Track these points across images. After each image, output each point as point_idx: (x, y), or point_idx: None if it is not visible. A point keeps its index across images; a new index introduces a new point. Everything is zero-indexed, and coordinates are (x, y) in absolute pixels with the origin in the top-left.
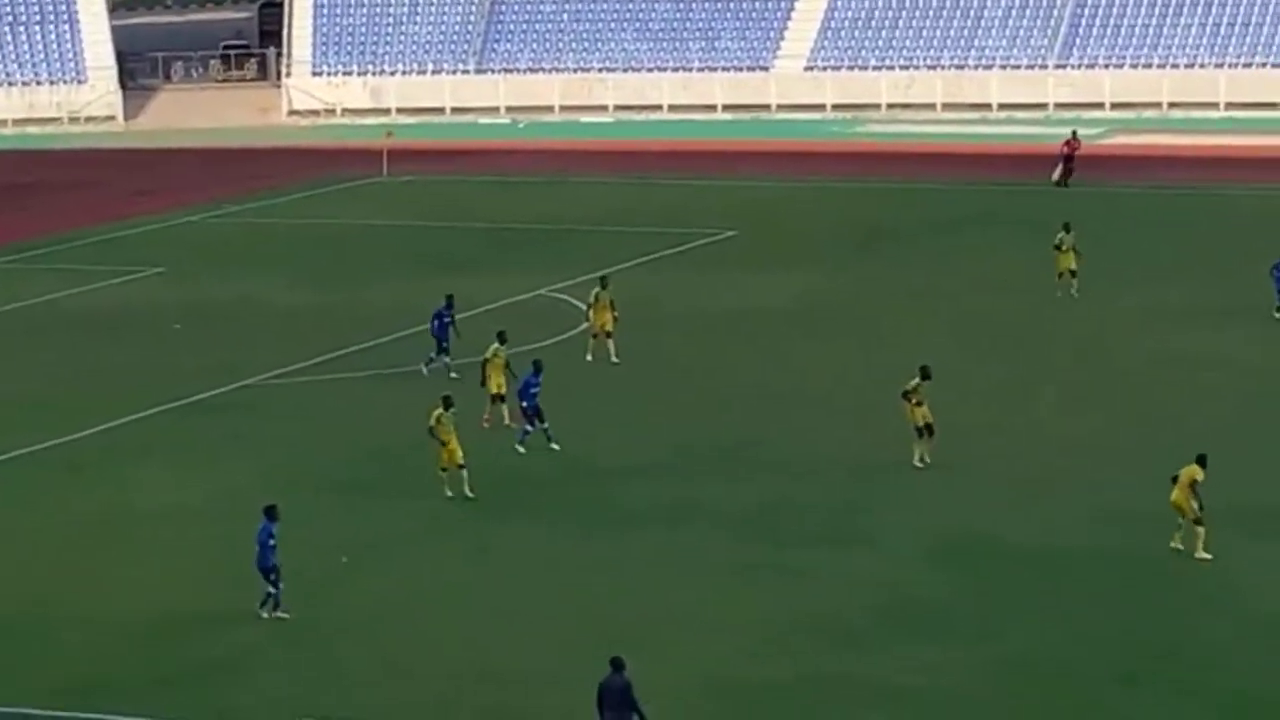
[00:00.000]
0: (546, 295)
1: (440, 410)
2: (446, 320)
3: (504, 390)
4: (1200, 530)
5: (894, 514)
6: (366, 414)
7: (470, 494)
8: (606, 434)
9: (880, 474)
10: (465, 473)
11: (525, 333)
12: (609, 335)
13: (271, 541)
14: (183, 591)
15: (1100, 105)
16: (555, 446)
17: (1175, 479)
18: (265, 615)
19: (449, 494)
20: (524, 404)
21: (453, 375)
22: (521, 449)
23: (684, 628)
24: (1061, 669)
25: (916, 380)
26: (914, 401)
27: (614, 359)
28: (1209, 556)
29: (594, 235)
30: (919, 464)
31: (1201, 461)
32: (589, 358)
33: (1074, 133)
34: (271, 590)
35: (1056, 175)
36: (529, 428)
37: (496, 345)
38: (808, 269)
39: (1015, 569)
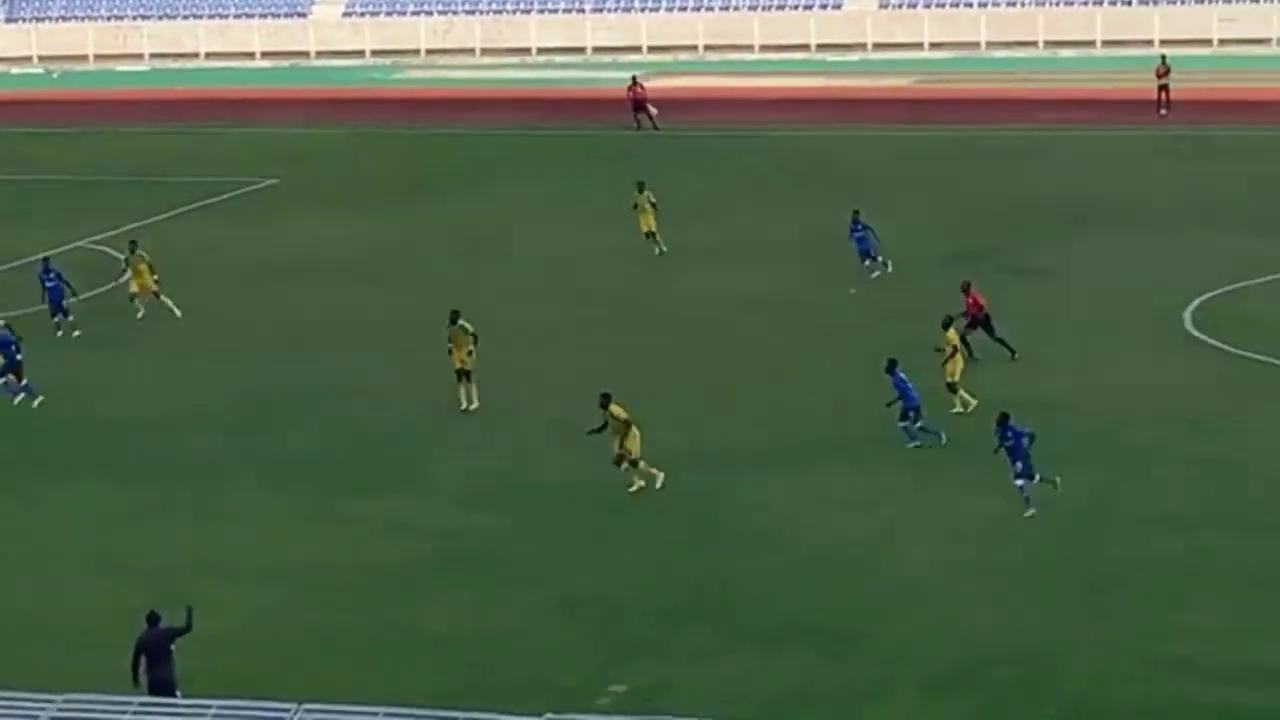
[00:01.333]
0: (86, 247)
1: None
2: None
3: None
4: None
5: (442, 458)
6: None
7: None
8: (153, 388)
9: (428, 418)
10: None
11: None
12: (157, 295)
13: None
14: None
15: (638, 49)
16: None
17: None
18: None
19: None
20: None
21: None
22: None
23: (233, 577)
24: (615, 607)
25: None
26: (453, 345)
27: (176, 313)
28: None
29: (132, 186)
30: (466, 407)
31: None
32: (139, 315)
33: (634, 77)
34: None
35: (642, 119)
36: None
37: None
38: (353, 216)
39: (561, 510)
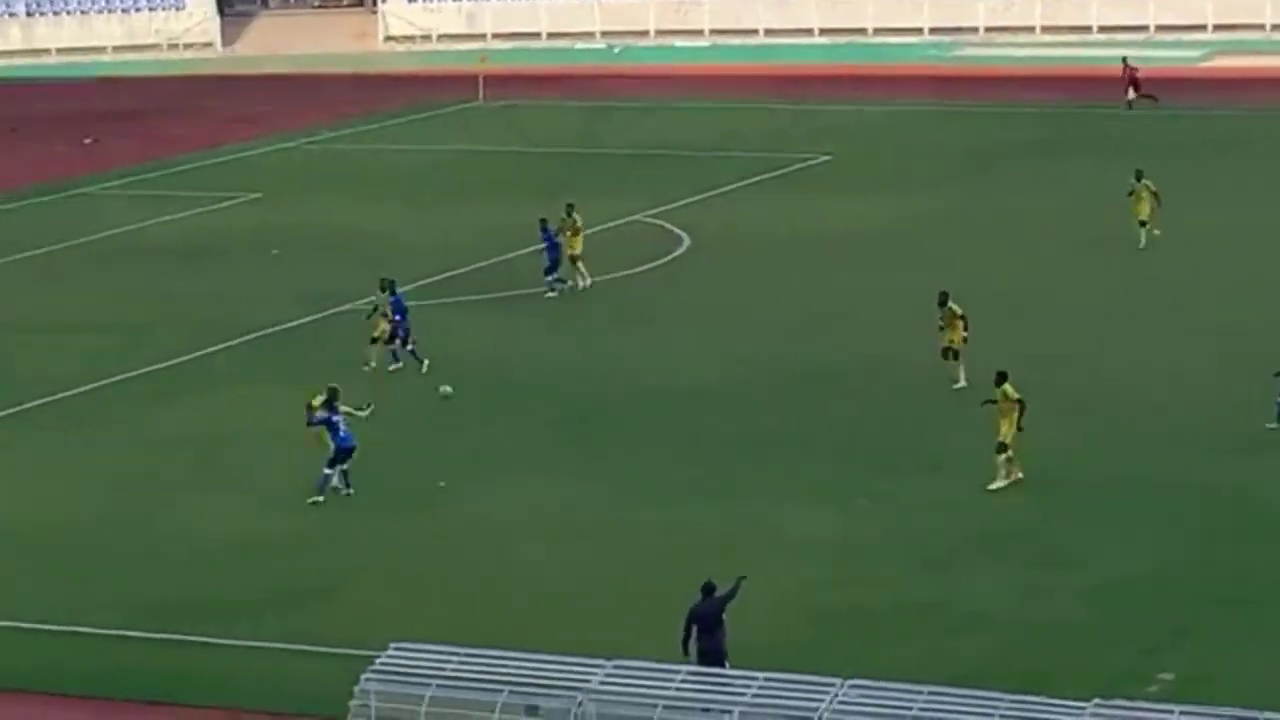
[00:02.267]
0: (643, 220)
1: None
2: (551, 240)
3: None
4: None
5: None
6: (464, 337)
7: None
8: (688, 359)
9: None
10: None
11: (621, 258)
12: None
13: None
14: (274, 514)
15: (1203, 27)
16: None
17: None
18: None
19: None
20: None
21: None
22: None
23: (773, 550)
24: (1159, 594)
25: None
26: (941, 325)
27: (584, 283)
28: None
29: (689, 160)
30: (958, 386)
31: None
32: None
33: (1124, 59)
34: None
35: (1130, 97)
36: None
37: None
38: (905, 192)
39: (1097, 496)
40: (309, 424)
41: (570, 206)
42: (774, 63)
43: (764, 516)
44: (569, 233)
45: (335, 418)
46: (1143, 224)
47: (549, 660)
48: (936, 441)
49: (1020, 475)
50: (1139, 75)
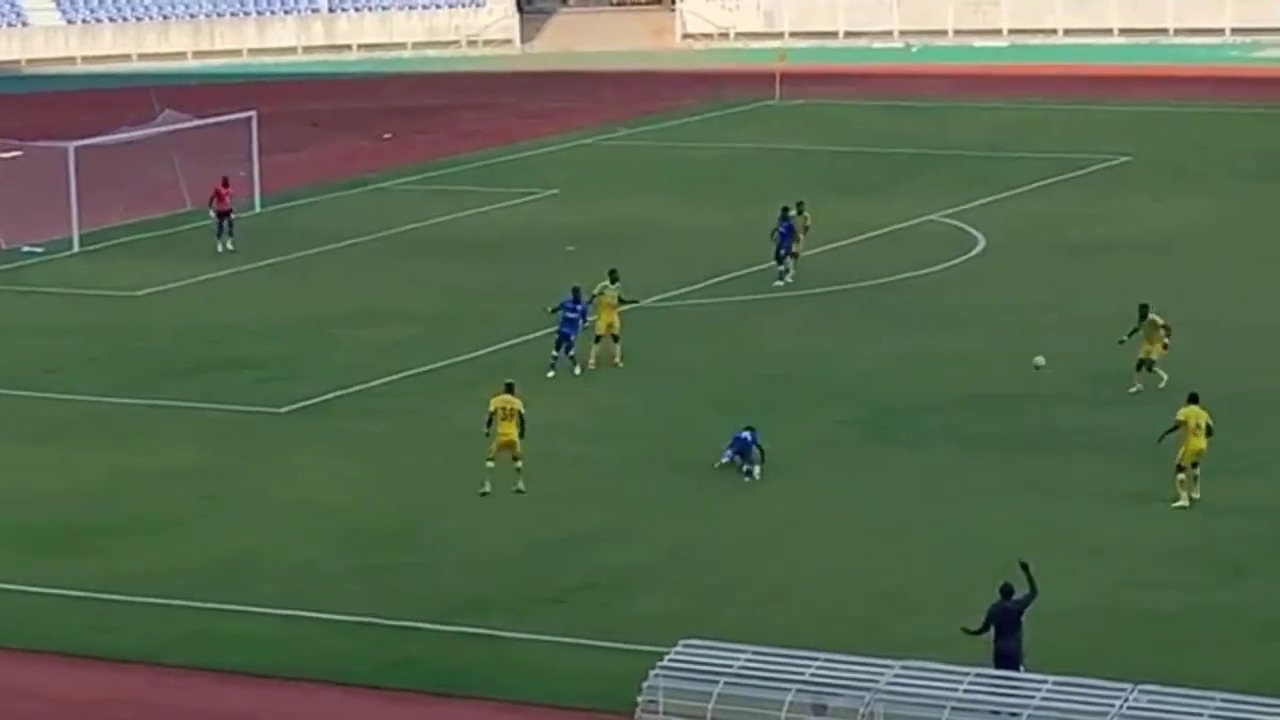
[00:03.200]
0: (938, 220)
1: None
2: (785, 229)
3: (615, 329)
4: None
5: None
6: (751, 335)
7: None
8: (994, 359)
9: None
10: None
11: (916, 257)
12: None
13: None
14: (563, 509)
15: None
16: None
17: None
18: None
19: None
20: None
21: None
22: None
23: (1069, 552)
24: None
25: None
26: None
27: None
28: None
29: (986, 160)
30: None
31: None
32: None
33: None
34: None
35: None
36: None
37: (606, 283)
38: (1207, 194)
39: None
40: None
41: (801, 204)
42: (1071, 62)
43: (1064, 518)
44: (801, 230)
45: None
46: None
47: (837, 659)
48: (1248, 445)
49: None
50: None
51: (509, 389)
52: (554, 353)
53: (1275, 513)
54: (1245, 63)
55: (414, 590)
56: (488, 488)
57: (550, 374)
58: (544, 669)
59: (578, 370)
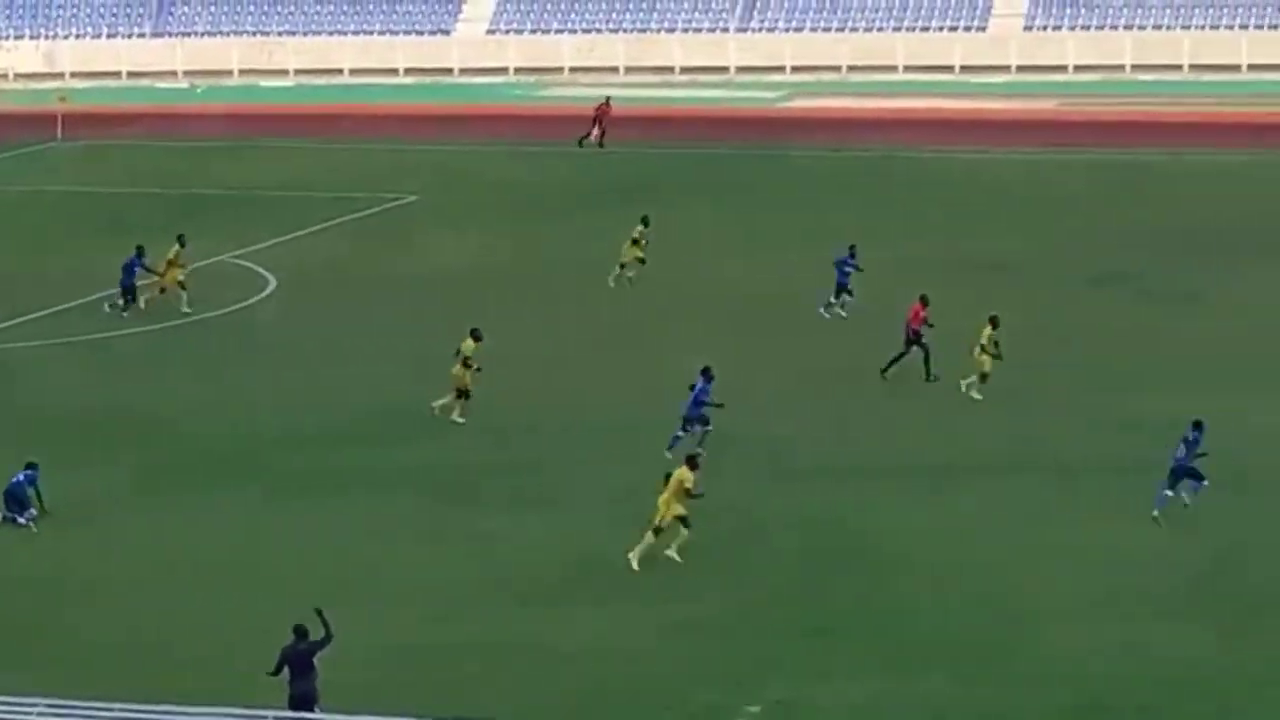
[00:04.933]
0: (228, 261)
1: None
2: (136, 269)
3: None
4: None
5: (577, 474)
6: (46, 381)
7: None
8: (294, 401)
9: (560, 434)
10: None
11: (209, 299)
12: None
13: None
14: None
15: (781, 69)
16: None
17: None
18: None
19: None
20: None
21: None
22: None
23: (369, 593)
24: (751, 627)
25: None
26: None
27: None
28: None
29: (276, 200)
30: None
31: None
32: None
33: (607, 99)
34: None
35: (592, 136)
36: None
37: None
38: (491, 233)
39: (698, 529)
40: None
41: (181, 237)
42: (358, 102)
43: (361, 558)
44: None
45: None
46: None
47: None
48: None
49: None
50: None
51: None
52: None
53: (569, 544)
54: (529, 101)
55: None
56: None
57: None
58: None
59: None
